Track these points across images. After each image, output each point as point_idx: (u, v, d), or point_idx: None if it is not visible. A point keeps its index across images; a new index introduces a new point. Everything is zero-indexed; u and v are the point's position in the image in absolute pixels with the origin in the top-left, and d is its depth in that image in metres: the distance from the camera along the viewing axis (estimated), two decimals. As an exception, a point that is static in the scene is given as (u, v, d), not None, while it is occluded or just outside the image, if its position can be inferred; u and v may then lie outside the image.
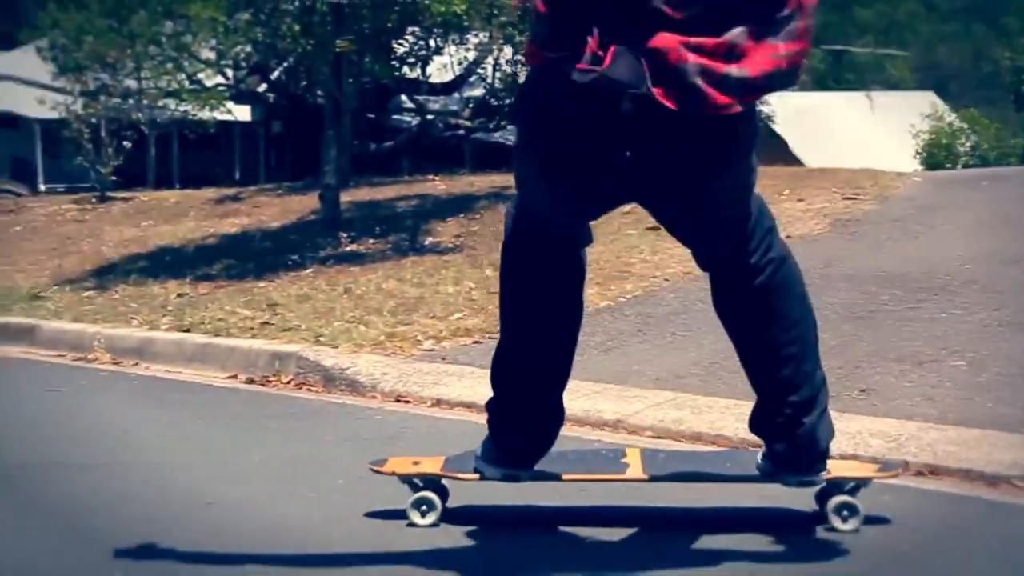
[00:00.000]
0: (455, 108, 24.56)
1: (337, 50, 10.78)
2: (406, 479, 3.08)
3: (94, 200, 16.39)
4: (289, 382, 5.67)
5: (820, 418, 2.85)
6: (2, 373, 6.50)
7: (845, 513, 2.89)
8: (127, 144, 17.37)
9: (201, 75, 24.54)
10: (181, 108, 23.52)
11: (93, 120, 17.42)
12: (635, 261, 7.52)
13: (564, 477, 3.08)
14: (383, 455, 3.32)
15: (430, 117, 23.97)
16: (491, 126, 23.81)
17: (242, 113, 28.81)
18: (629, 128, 2.44)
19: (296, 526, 3.16)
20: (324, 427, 4.47)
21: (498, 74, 22.18)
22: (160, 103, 22.79)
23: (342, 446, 4.28)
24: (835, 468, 2.98)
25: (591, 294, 6.49)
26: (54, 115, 19.88)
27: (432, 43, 19.59)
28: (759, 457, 2.99)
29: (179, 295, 8.34)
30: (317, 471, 3.80)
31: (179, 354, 6.48)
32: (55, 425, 4.73)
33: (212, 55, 23.98)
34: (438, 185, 13.89)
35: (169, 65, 22.39)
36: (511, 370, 2.98)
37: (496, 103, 22.88)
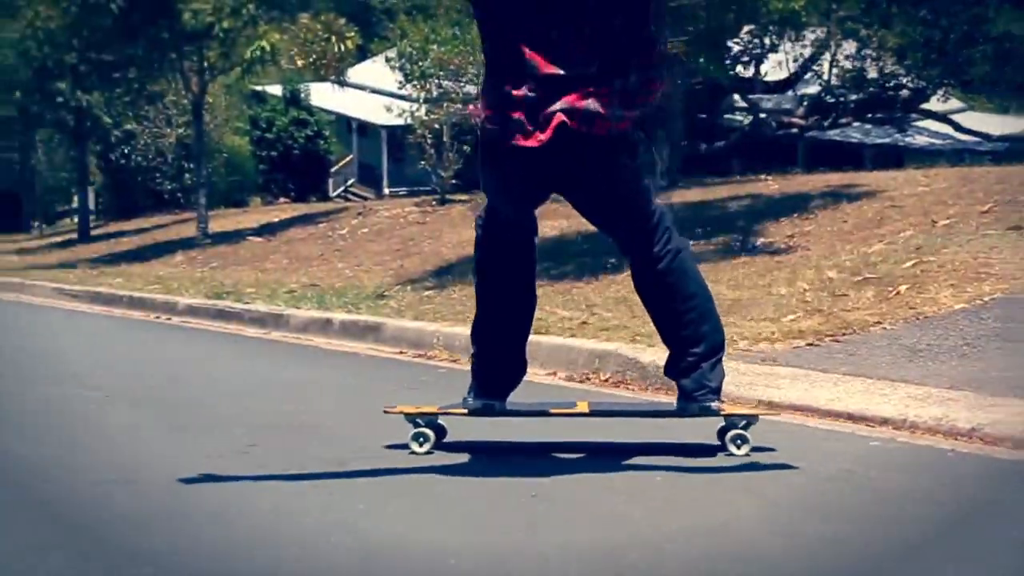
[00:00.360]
0: (788, 106, 24.01)
1: (671, 51, 10.75)
2: (410, 418, 4.00)
3: (434, 203, 17.06)
4: (608, 380, 5.66)
5: (714, 366, 3.89)
6: (355, 367, 6.83)
7: (739, 442, 3.84)
8: (467, 148, 17.98)
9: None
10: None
11: (436, 126, 18.14)
12: (994, 262, 7.03)
13: (524, 412, 4.21)
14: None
15: (763, 116, 23.53)
16: (826, 124, 23.12)
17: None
18: (552, 153, 3.59)
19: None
20: (641, 425, 4.41)
21: (835, 70, 21.51)
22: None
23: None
24: (729, 408, 4.02)
25: (945, 296, 6.23)
26: (399, 122, 20.86)
27: (767, 40, 19.21)
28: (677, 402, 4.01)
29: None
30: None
31: (508, 352, 6.62)
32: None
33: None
34: (770, 185, 13.59)
35: (507, 70, 22.98)
36: (485, 330, 4.16)
37: (832, 100, 22.19)
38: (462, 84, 21.38)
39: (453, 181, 17.77)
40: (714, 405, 3.88)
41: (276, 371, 6.59)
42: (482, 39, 3.86)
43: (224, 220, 22.11)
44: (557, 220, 12.81)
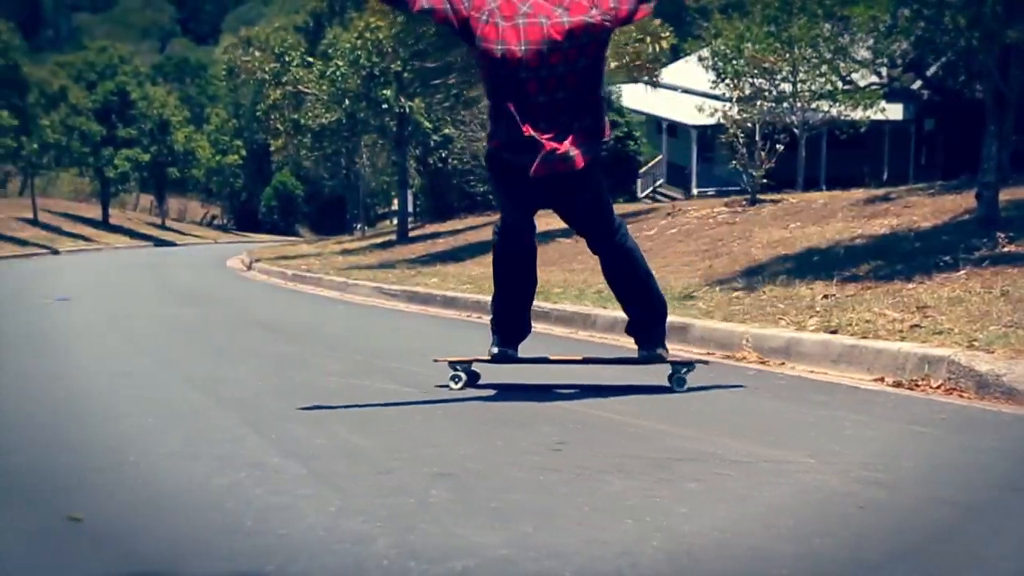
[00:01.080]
0: None
1: (1007, 41, 10.11)
2: (451, 365, 5.78)
3: (744, 203, 16.77)
4: (939, 387, 5.35)
5: (658, 324, 5.73)
6: (661, 368, 6.77)
7: (679, 382, 5.53)
8: (779, 147, 17.59)
9: (855, 75, 24.29)
10: (834, 109, 23.44)
11: (748, 125, 17.84)
12: None
13: (530, 360, 5.99)
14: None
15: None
16: None
17: (893, 112, 28.16)
18: (546, 181, 5.21)
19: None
20: (976, 435, 4.14)
21: None
22: (813, 105, 22.87)
23: (992, 456, 3.96)
24: (672, 357, 5.77)
25: None
26: (710, 122, 20.63)
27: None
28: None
29: (825, 296, 8.24)
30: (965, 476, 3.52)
31: (824, 355, 6.38)
32: (711, 420, 4.83)
33: (868, 54, 23.63)
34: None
35: (824, 67, 22.38)
36: (502, 302, 5.82)
37: None
38: (776, 82, 20.93)
39: (764, 180, 17.41)
40: (662, 353, 5.73)
41: (583, 370, 6.61)
42: (488, 95, 5.44)
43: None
44: (887, 219, 12.32)
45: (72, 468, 4.07)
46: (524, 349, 5.94)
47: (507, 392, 5.61)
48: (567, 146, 5.16)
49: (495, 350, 5.81)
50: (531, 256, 5.74)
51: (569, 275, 13.07)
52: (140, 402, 5.56)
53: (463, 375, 5.70)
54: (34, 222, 43.01)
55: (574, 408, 5.09)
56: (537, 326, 9.51)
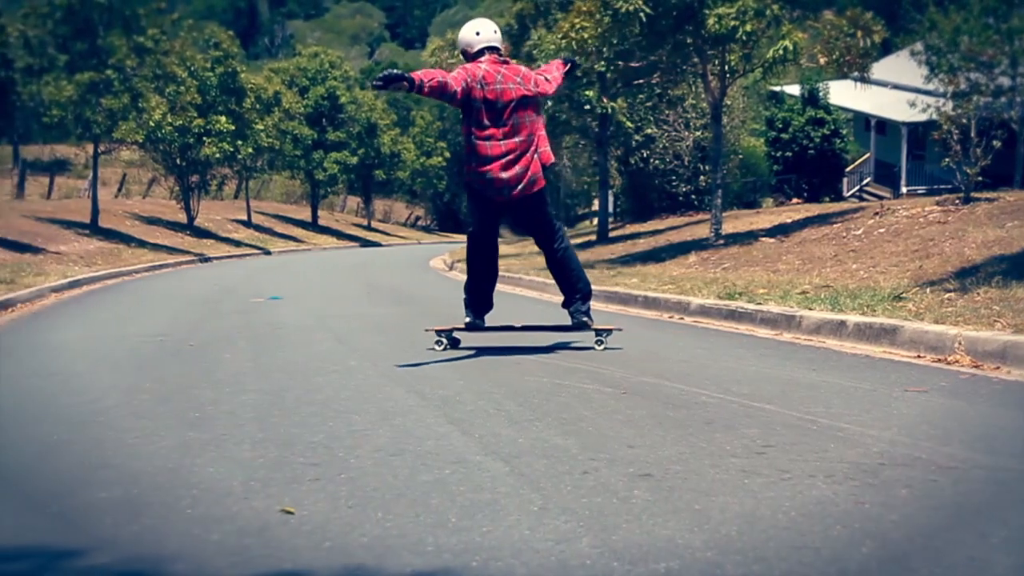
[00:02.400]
0: None
1: None
2: (437, 332, 7.82)
3: (957, 201, 16.14)
4: None
5: (587, 303, 7.82)
6: (868, 371, 6.59)
7: (599, 342, 7.66)
8: (996, 143, 16.86)
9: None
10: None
11: (963, 120, 17.16)
12: None
13: (495, 328, 7.94)
14: None
15: None
16: None
17: None
18: (508, 198, 7.48)
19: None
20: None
21: None
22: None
23: None
24: (596, 325, 7.84)
25: None
26: (921, 118, 19.94)
27: None
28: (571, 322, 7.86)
29: (1046, 299, 7.86)
30: None
31: (1044, 361, 6.09)
32: (920, 424, 4.67)
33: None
34: None
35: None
36: (471, 284, 7.82)
37: None
38: (994, 76, 20.08)
39: (979, 179, 16.71)
40: (588, 321, 7.83)
41: (786, 372, 6.48)
42: (465, 132, 7.59)
43: (737, 221, 22.27)
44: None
45: (284, 462, 4.22)
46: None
47: (704, 395, 5.55)
48: (533, 172, 7.52)
49: (468, 320, 7.87)
50: (494, 254, 7.90)
51: (773, 276, 12.84)
52: (347, 400, 5.72)
53: (445, 340, 7.81)
54: (247, 223, 44.80)
55: (778, 411, 4.99)
56: (740, 327, 9.44)
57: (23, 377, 7.10)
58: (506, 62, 7.58)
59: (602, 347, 7.57)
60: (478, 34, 7.64)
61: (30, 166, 46.50)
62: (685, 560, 2.83)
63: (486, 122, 7.35)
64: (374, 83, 7.04)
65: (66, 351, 8.63)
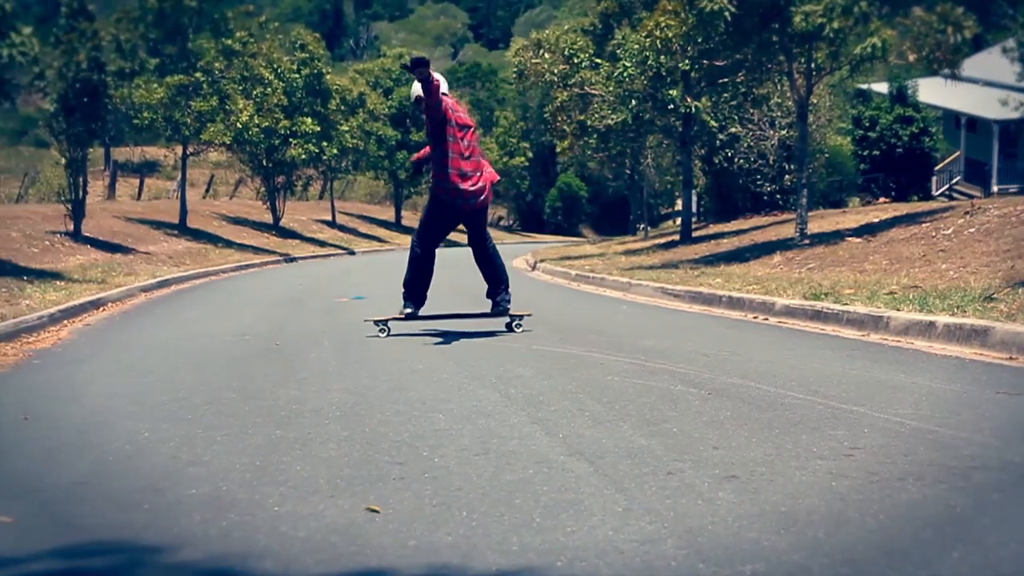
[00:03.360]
0: None
1: None
2: (376, 322, 9.24)
3: (1052, 201, 15.76)
4: None
5: (505, 292, 9.39)
6: (958, 373, 6.47)
7: (516, 327, 9.28)
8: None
9: None
10: None
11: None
12: None
13: (429, 317, 9.53)
14: None
15: None
16: None
17: None
18: (472, 207, 9.08)
19: None
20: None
21: None
22: None
23: None
24: (513, 312, 9.44)
25: None
26: (1014, 116, 19.52)
27: None
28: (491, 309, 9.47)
29: None
30: None
31: None
32: (1002, 426, 4.58)
33: None
34: None
35: None
36: (413, 280, 9.35)
37: None
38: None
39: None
40: (508, 308, 9.33)
41: (874, 373, 6.39)
42: (432, 148, 9.08)
43: (822, 221, 21.99)
44: None
45: (369, 460, 4.26)
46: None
47: (790, 396, 5.49)
48: (487, 188, 9.10)
49: (409, 310, 9.36)
50: (434, 256, 9.51)
51: (859, 276, 12.66)
52: (431, 399, 5.76)
53: (387, 327, 9.22)
54: (332, 224, 45.23)
55: (866, 413, 4.92)
56: (826, 328, 9.32)
57: (114, 374, 7.24)
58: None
59: (520, 330, 9.20)
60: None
61: (121, 168, 47.43)
62: (772, 562, 2.80)
63: (461, 143, 8.87)
64: (409, 62, 8.32)
65: (155, 349, 8.79)
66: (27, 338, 9.51)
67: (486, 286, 9.54)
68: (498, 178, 9.37)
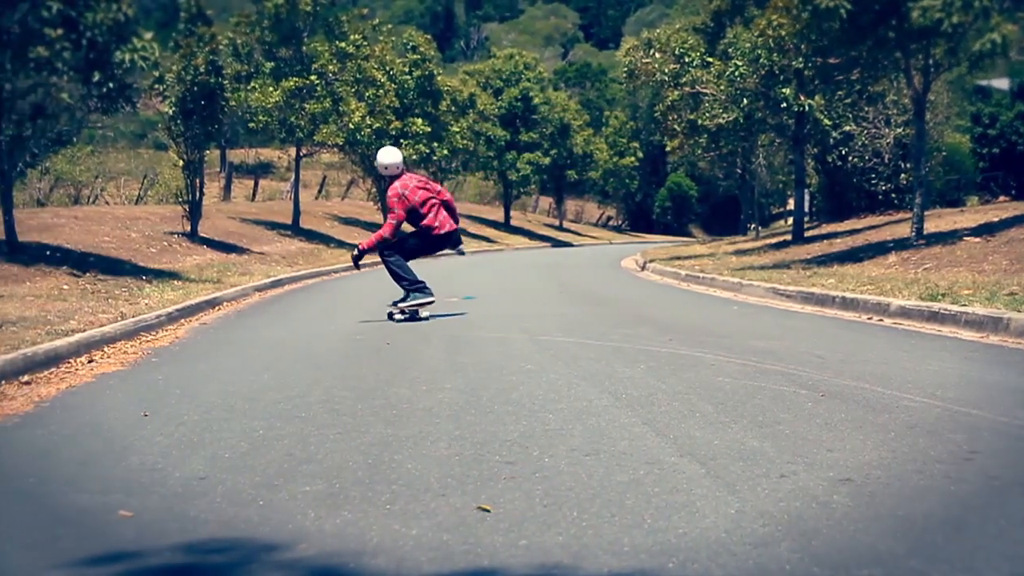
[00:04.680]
0: None
1: None
2: (401, 311, 11.27)
3: None
4: None
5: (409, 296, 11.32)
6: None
7: (397, 319, 11.16)
8: None
9: None
10: None
11: None
12: None
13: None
14: None
15: None
16: None
17: None
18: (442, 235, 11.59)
19: None
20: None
21: None
22: None
23: None
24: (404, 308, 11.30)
25: None
26: None
27: None
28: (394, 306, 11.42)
29: None
30: None
31: None
32: None
33: None
34: None
35: None
36: (413, 277, 11.30)
37: None
38: None
39: None
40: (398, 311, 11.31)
41: (993, 376, 6.23)
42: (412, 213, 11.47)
43: (939, 220, 21.51)
44: None
45: (480, 459, 4.28)
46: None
47: (907, 399, 5.37)
48: (450, 223, 11.59)
49: (431, 299, 11.30)
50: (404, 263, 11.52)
51: (978, 276, 12.35)
52: (541, 399, 5.76)
53: (399, 316, 11.19)
54: (443, 223, 45.59)
55: (985, 417, 4.80)
56: (943, 329, 9.12)
57: (229, 372, 7.39)
58: (404, 174, 11.55)
59: (398, 319, 11.14)
60: (391, 163, 11.45)
61: (236, 169, 48.43)
62: (888, 568, 2.75)
63: (421, 212, 11.35)
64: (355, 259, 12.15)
65: (269, 348, 8.94)
66: (146, 336, 9.76)
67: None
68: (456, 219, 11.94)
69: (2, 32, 13.71)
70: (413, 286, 11.22)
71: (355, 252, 11.71)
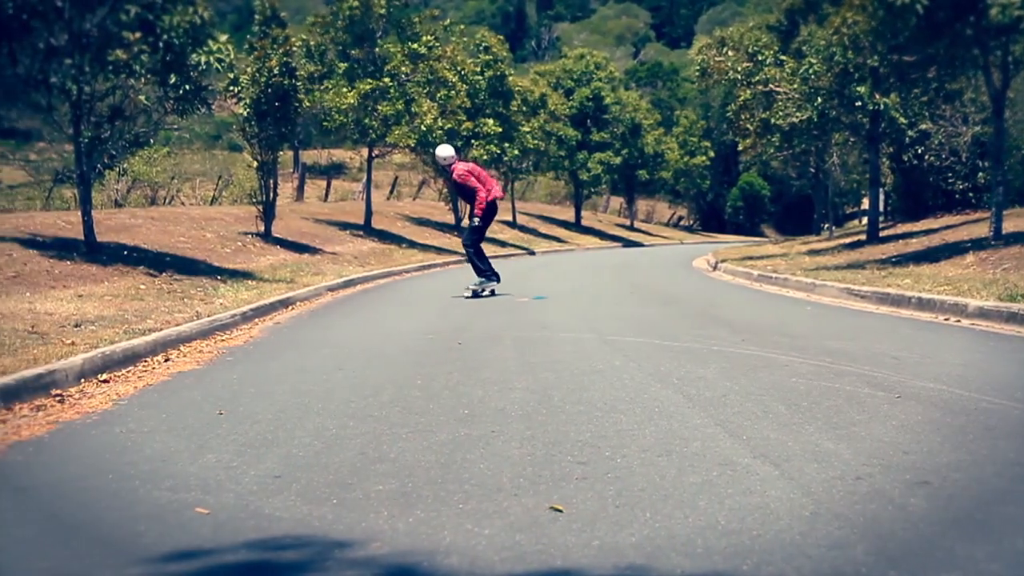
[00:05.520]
0: None
1: None
2: (473, 292, 14.56)
3: None
4: None
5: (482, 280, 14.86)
6: None
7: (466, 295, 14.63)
8: None
9: None
10: None
11: None
12: None
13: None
14: None
15: None
16: None
17: None
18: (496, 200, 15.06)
19: None
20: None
21: None
22: None
23: None
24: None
25: None
26: None
27: None
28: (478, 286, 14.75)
29: None
30: None
31: None
32: None
33: None
34: None
35: None
36: (486, 264, 14.87)
37: None
38: None
39: None
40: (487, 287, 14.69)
41: None
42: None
43: (1019, 219, 21.11)
44: None
45: (552, 459, 4.28)
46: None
47: (985, 400, 5.28)
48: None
49: (497, 282, 14.57)
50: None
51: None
52: (613, 399, 5.75)
53: (468, 294, 14.20)
54: (512, 224, 45.60)
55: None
56: (1022, 331, 8.94)
57: (302, 372, 7.46)
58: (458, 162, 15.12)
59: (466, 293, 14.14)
60: (450, 155, 15.20)
61: (309, 170, 48.86)
62: (968, 572, 2.71)
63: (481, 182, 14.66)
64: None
65: (342, 347, 9.02)
66: (220, 336, 9.89)
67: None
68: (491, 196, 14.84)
69: (81, 35, 13.97)
70: (484, 273, 14.70)
71: (475, 221, 14.85)
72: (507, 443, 4.62)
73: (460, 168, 14.71)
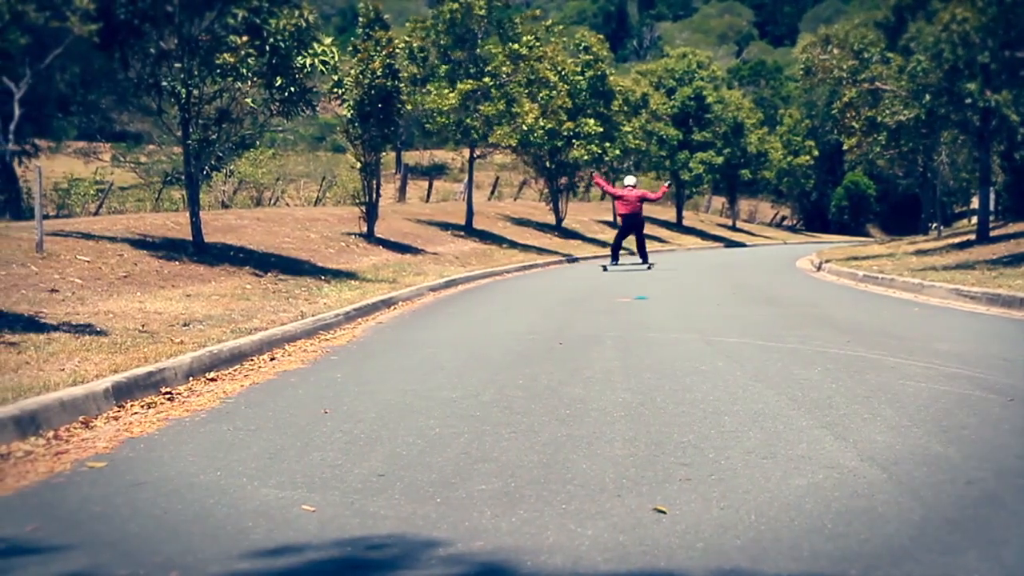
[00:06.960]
0: None
1: None
2: (603, 268, 22.94)
3: None
4: None
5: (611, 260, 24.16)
6: None
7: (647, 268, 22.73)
8: None
9: None
10: None
11: None
12: None
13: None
14: None
15: None
16: None
17: None
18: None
19: None
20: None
21: None
22: None
23: None
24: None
25: None
26: None
27: None
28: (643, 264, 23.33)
29: None
30: None
31: None
32: None
33: None
34: None
35: None
36: (614, 250, 24.35)
37: None
38: None
39: None
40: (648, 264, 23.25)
41: None
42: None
43: None
44: None
45: (654, 461, 4.26)
46: None
47: (614, 274, 5.13)
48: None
49: (614, 263, 23.31)
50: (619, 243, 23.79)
51: None
52: (716, 400, 5.70)
53: (601, 269, 22.34)
54: (613, 224, 45.37)
55: None
56: None
57: (405, 371, 7.52)
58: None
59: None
60: (634, 183, 22.81)
61: (411, 171, 49.29)
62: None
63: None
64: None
65: (444, 347, 9.07)
66: (324, 335, 10.02)
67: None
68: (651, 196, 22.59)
69: (191, 39, 14.27)
70: (613, 254, 23.52)
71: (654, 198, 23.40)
72: (609, 444, 4.62)
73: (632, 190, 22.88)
